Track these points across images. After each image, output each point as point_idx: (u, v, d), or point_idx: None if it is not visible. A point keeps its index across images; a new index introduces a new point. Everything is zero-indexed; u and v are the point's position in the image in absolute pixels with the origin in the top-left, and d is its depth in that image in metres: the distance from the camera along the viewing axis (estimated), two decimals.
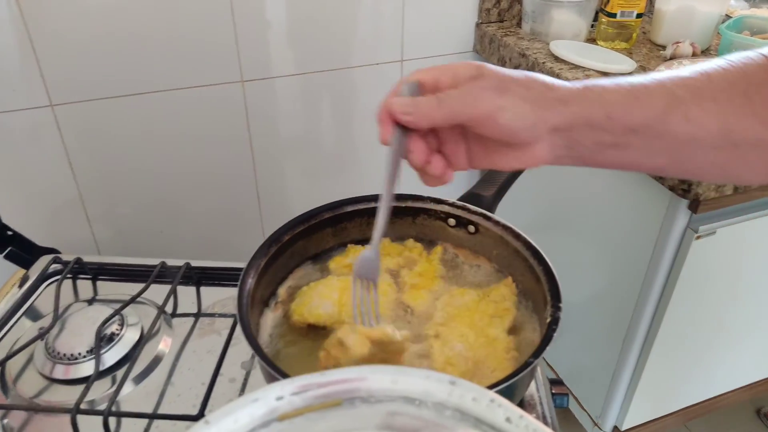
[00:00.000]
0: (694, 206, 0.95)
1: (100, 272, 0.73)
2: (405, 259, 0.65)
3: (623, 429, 1.27)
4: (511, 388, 0.45)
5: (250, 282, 0.54)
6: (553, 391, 0.64)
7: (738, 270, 1.10)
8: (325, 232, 0.64)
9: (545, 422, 0.57)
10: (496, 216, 0.62)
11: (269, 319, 0.58)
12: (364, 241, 0.66)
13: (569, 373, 1.37)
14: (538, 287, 0.56)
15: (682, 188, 0.90)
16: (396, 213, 0.65)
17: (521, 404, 0.57)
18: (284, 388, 0.37)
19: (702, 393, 1.33)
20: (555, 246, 1.27)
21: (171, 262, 0.72)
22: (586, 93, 0.45)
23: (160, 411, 0.57)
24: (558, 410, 0.91)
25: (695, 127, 0.45)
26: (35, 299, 0.70)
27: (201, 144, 1.21)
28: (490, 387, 0.44)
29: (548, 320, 0.50)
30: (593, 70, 1.11)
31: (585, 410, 1.33)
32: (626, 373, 1.20)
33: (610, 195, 1.10)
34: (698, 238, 0.98)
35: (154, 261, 0.71)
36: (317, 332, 0.56)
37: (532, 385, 0.59)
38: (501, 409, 0.34)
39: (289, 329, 0.57)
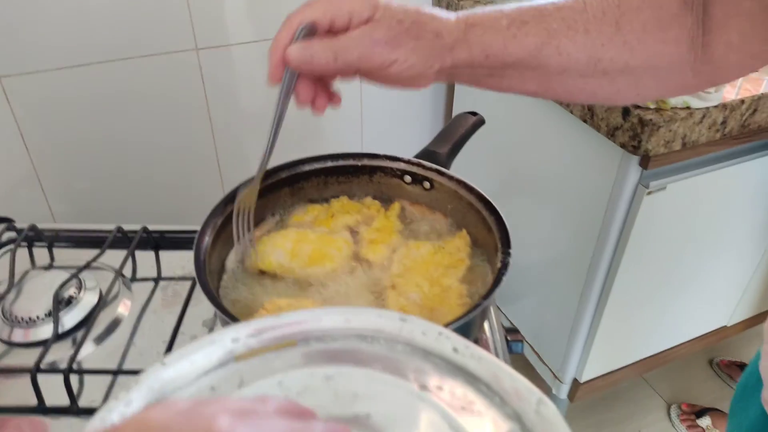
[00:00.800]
0: (645, 162, 0.98)
1: (55, 239, 0.72)
2: (363, 216, 0.66)
3: (582, 381, 1.32)
4: (463, 328, 0.47)
5: (207, 240, 0.54)
6: (508, 338, 0.67)
7: (688, 225, 1.14)
8: (282, 191, 0.65)
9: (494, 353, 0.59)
10: (450, 171, 0.63)
11: (228, 270, 0.59)
12: (322, 200, 0.67)
13: (530, 330, 1.42)
14: (490, 237, 0.58)
15: (632, 145, 0.93)
16: (353, 172, 0.66)
17: None
18: (239, 330, 0.38)
19: (657, 345, 1.39)
20: (513, 208, 1.30)
21: (128, 227, 0.72)
22: (468, 36, 0.48)
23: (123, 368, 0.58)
24: (519, 364, 0.94)
25: (566, 60, 0.48)
26: None
27: (157, 113, 1.19)
28: (449, 324, 0.45)
29: (499, 266, 0.52)
30: None
31: (546, 364, 1.38)
32: (583, 327, 1.24)
33: (564, 155, 1.13)
34: (649, 193, 1.01)
35: (110, 226, 0.71)
36: (271, 279, 0.58)
37: (487, 329, 0.62)
38: (449, 340, 0.36)
39: (243, 275, 0.58)
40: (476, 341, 0.60)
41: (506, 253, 0.53)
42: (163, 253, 0.72)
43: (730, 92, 0.96)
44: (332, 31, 0.46)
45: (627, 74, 0.51)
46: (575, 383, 1.34)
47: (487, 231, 0.59)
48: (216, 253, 0.55)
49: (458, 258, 0.61)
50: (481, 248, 0.62)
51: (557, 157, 1.16)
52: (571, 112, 1.04)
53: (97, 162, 1.19)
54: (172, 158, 1.25)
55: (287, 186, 0.65)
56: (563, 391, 1.36)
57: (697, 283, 1.29)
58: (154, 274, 0.71)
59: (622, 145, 0.95)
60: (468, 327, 0.49)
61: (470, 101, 1.35)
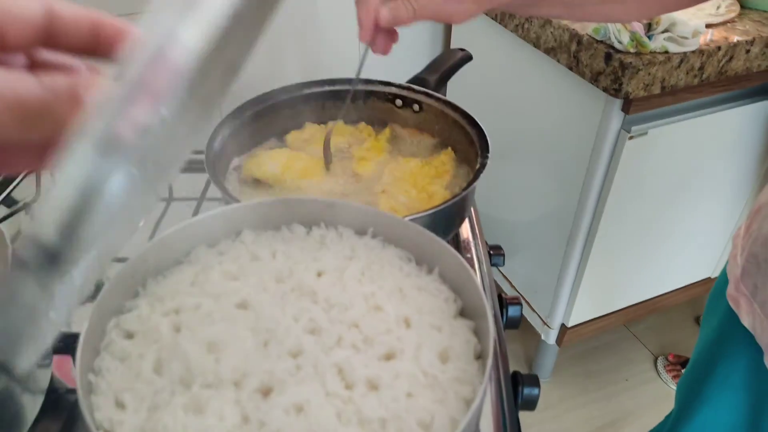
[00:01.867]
0: (627, 107, 1.04)
1: None
2: (355, 138, 0.72)
3: (569, 326, 1.39)
4: (443, 216, 0.53)
5: (216, 145, 0.60)
6: (491, 252, 0.73)
7: (670, 172, 1.20)
8: (283, 113, 0.70)
9: (477, 264, 0.65)
10: (437, 93, 0.69)
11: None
12: (320, 123, 0.73)
13: (520, 280, 1.48)
14: (472, 150, 0.64)
15: (614, 88, 0.99)
16: (346, 96, 0.72)
17: (456, 245, 0.65)
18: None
19: (641, 293, 1.45)
20: (501, 165, 1.36)
21: None
22: None
23: None
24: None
25: None
26: None
27: None
28: (427, 210, 0.52)
29: (478, 167, 0.58)
30: None
31: (535, 312, 1.44)
32: (570, 274, 1.31)
33: (552, 104, 1.18)
34: (631, 138, 1.07)
35: None
36: (265, 189, 0.64)
37: (468, 233, 0.67)
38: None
39: (239, 184, 0.64)
40: (456, 236, 0.66)
41: (485, 157, 0.59)
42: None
43: (705, 37, 1.01)
44: None
45: None
46: (563, 328, 1.41)
47: (470, 144, 0.64)
48: (224, 159, 0.61)
49: (443, 170, 0.67)
50: (464, 163, 0.68)
51: (544, 108, 1.21)
52: (558, 61, 1.09)
53: None
54: None
55: (288, 108, 0.70)
56: (552, 337, 1.43)
57: (681, 232, 1.35)
58: (166, 195, 0.76)
59: (605, 89, 1.01)
60: (447, 217, 0.55)
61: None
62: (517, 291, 1.50)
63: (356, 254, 0.44)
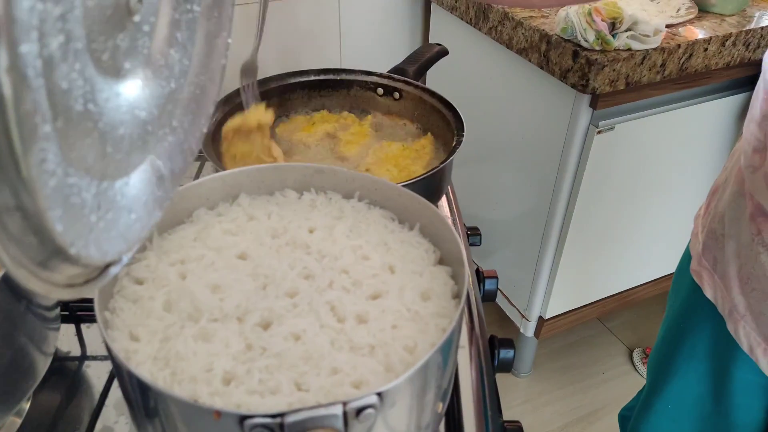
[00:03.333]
0: (594, 103, 1.10)
1: None
2: (340, 125, 0.77)
3: (546, 317, 1.44)
4: (422, 186, 0.58)
5: (210, 126, 0.64)
6: (468, 233, 0.78)
7: (637, 166, 1.26)
8: (271, 101, 0.75)
9: None
10: (415, 81, 0.74)
11: None
12: (305, 113, 0.78)
13: (500, 277, 1.53)
14: (449, 131, 0.69)
15: (582, 84, 1.05)
16: (333, 86, 0.77)
17: None
18: None
19: (615, 286, 1.51)
20: (477, 168, 1.42)
21: None
22: None
23: None
24: (490, 308, 1.01)
25: None
26: None
27: None
28: (406, 181, 0.56)
29: (454, 144, 0.63)
30: None
31: (514, 306, 1.49)
32: (545, 268, 1.36)
33: (524, 103, 1.25)
34: (599, 132, 1.13)
35: None
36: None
37: (445, 209, 0.72)
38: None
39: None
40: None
41: (461, 135, 0.64)
42: None
43: (667, 38, 1.08)
44: None
45: None
46: (540, 321, 1.46)
47: (447, 127, 0.69)
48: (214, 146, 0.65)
49: (423, 153, 0.71)
50: (443, 147, 0.73)
51: (518, 107, 1.27)
52: (530, 61, 1.16)
53: None
54: None
55: (276, 97, 0.75)
56: (530, 329, 1.48)
57: (650, 226, 1.42)
58: None
59: (573, 86, 1.07)
60: (426, 189, 0.60)
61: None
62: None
63: (344, 215, 0.48)
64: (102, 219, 0.24)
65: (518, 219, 1.39)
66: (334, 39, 1.46)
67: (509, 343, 0.62)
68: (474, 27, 1.28)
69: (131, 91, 0.27)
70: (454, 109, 0.68)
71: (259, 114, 0.64)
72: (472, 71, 1.37)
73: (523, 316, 1.47)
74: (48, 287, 0.23)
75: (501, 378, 1.78)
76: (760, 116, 0.59)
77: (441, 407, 0.40)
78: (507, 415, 1.66)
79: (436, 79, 1.50)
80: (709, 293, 0.70)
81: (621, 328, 1.82)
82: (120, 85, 0.26)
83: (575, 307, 1.48)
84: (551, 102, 1.17)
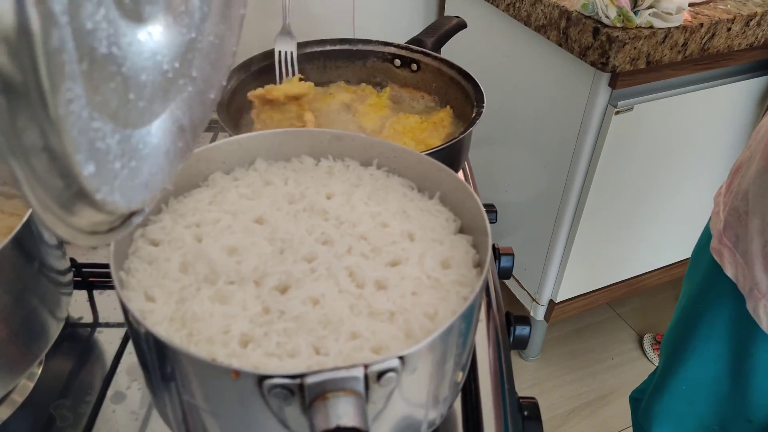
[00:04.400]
0: (613, 82, 1.08)
1: None
2: (358, 96, 0.75)
3: (557, 301, 1.43)
4: (439, 156, 0.56)
5: (225, 93, 0.63)
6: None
7: (656, 148, 1.24)
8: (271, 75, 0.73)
9: None
10: (433, 52, 0.72)
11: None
12: (321, 84, 0.76)
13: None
14: (468, 104, 0.67)
15: (601, 62, 1.03)
16: (348, 56, 0.75)
17: None
18: None
19: (626, 271, 1.49)
20: (493, 149, 1.40)
21: None
22: None
23: None
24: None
25: None
26: None
27: None
28: (423, 151, 0.55)
29: (473, 115, 0.61)
30: None
31: (524, 289, 1.48)
32: (558, 251, 1.35)
33: (542, 81, 1.22)
34: (617, 113, 1.11)
35: None
36: None
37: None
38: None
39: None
40: None
41: (480, 107, 0.62)
42: None
43: (689, 15, 1.05)
44: None
45: None
46: (551, 304, 1.44)
47: (465, 99, 0.68)
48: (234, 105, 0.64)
49: (441, 126, 0.70)
50: (461, 120, 0.71)
51: (535, 86, 1.25)
52: (548, 38, 1.13)
53: None
54: None
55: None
56: (540, 313, 1.47)
57: (664, 212, 1.40)
58: None
59: (593, 64, 1.05)
60: (443, 160, 0.58)
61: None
62: (512, 264, 1.53)
63: (362, 182, 0.47)
64: (126, 167, 0.24)
65: (531, 201, 1.37)
66: (347, 11, 1.44)
67: (525, 320, 0.61)
68: (491, 3, 1.26)
69: (153, 36, 0.26)
70: (474, 80, 0.67)
71: (291, 86, 0.63)
72: (488, 48, 1.35)
73: (534, 300, 1.46)
74: (73, 232, 0.22)
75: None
76: None
77: (461, 377, 0.39)
78: None
79: (450, 55, 1.47)
80: (729, 271, 0.69)
81: (631, 314, 1.81)
82: (142, 30, 0.25)
83: (586, 291, 1.46)
84: (569, 81, 1.14)
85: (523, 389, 1.61)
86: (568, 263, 1.35)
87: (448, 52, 1.51)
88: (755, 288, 0.65)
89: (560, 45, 1.11)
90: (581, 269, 1.40)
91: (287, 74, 0.65)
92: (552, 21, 1.11)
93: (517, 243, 1.47)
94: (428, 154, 0.53)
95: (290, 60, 0.65)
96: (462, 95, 0.69)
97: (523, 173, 1.37)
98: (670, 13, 1.00)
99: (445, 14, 1.45)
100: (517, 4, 1.19)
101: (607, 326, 1.78)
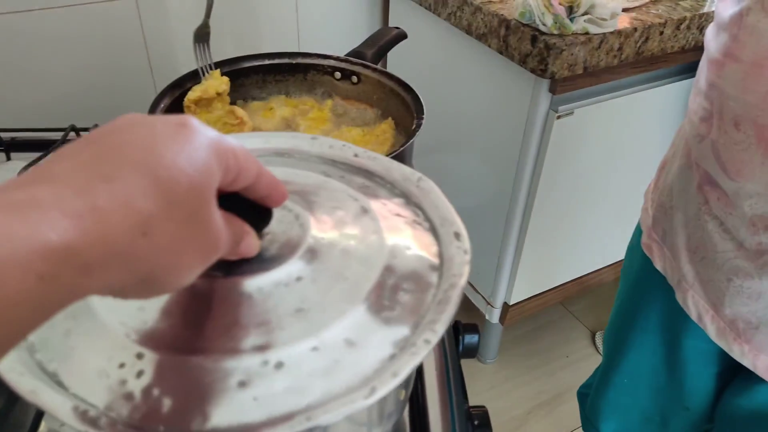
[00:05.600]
0: (553, 88, 1.10)
1: (12, 146, 0.77)
2: (299, 110, 0.74)
3: (511, 303, 1.45)
4: None
5: (158, 111, 0.61)
6: None
7: (597, 150, 1.28)
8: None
9: None
10: (373, 64, 0.72)
11: None
12: (261, 98, 0.75)
13: None
14: (409, 113, 0.67)
15: (541, 68, 1.05)
16: (288, 70, 0.74)
17: None
18: None
19: (575, 271, 1.53)
20: (439, 157, 1.41)
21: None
22: None
23: None
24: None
25: None
26: None
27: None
28: None
29: (413, 127, 0.61)
30: None
31: (479, 293, 1.49)
32: (509, 254, 1.37)
33: (485, 90, 1.24)
34: (559, 117, 1.14)
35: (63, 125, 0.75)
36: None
37: None
38: (350, 149, 0.43)
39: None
40: None
41: (420, 118, 0.62)
42: None
43: (623, 21, 1.09)
44: None
45: None
46: (505, 307, 1.46)
47: (406, 109, 0.68)
48: None
49: (384, 138, 0.70)
50: (403, 132, 0.71)
51: (478, 94, 1.27)
52: (489, 46, 1.15)
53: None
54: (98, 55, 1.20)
55: (230, 81, 0.72)
56: (495, 316, 1.49)
57: (608, 210, 1.43)
58: None
59: (533, 70, 1.07)
60: None
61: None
62: (475, 280, 1.55)
63: None
64: None
65: (481, 206, 1.39)
66: (291, 24, 1.43)
67: (474, 329, 0.61)
68: (433, 13, 1.27)
69: None
70: (413, 91, 0.67)
71: (216, 82, 0.62)
72: (432, 58, 1.36)
73: (489, 303, 1.47)
74: None
75: (467, 365, 1.79)
76: (706, 86, 0.60)
77: (404, 394, 0.38)
78: (474, 401, 1.66)
79: (396, 66, 1.48)
80: (659, 265, 0.71)
81: (583, 311, 1.85)
82: None
83: (539, 292, 1.49)
84: (511, 87, 1.16)
85: (481, 392, 1.63)
86: (520, 265, 1.38)
87: (394, 62, 1.53)
88: (683, 280, 0.67)
89: (501, 53, 1.13)
90: (533, 270, 1.42)
91: (207, 71, 0.65)
92: (492, 29, 1.13)
93: (471, 246, 1.48)
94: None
95: (206, 54, 0.64)
96: (403, 106, 0.69)
97: (471, 179, 1.39)
98: (605, 19, 1.03)
99: (390, 25, 1.46)
100: (458, 14, 1.20)
101: (561, 325, 1.82)
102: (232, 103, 0.74)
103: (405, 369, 0.23)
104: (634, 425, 0.87)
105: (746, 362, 0.64)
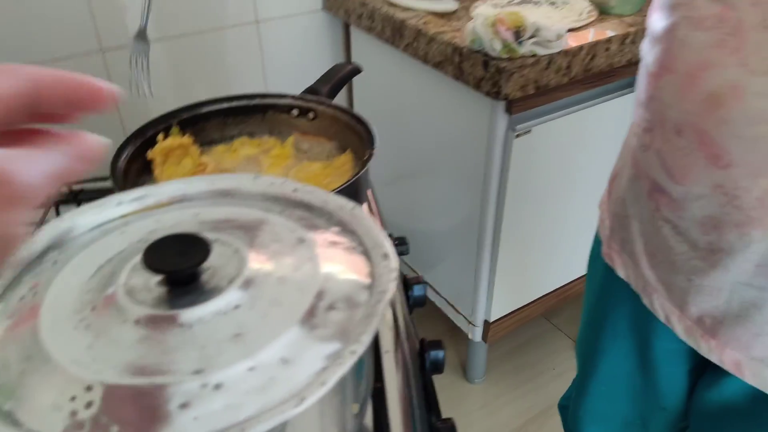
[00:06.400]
0: (510, 108, 1.15)
1: None
2: (262, 149, 0.77)
3: (492, 320, 1.47)
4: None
5: (120, 165, 0.64)
6: (396, 243, 0.80)
7: (557, 165, 1.32)
8: (185, 132, 0.75)
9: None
10: (328, 100, 0.76)
11: None
12: (223, 140, 0.78)
13: (444, 285, 1.56)
14: (363, 145, 0.70)
15: (495, 91, 1.09)
16: (247, 111, 0.78)
17: None
18: (123, 197, 0.47)
19: (552, 282, 1.56)
20: (406, 187, 1.45)
21: None
22: None
23: None
24: (438, 314, 0.99)
25: None
26: None
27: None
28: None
29: (365, 158, 0.65)
30: (422, 10, 1.29)
31: (460, 313, 1.52)
32: (484, 272, 1.40)
33: (445, 116, 1.29)
34: (518, 136, 1.18)
35: None
36: None
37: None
38: (290, 185, 0.45)
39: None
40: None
41: (371, 148, 0.65)
42: None
43: (572, 39, 1.14)
44: None
45: None
46: (486, 324, 1.49)
47: (360, 141, 0.71)
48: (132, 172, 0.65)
49: (344, 170, 0.73)
50: (362, 161, 0.74)
51: (440, 120, 1.31)
52: (446, 74, 1.20)
53: None
54: None
55: (189, 126, 0.75)
56: (478, 334, 1.51)
57: (575, 220, 1.47)
58: None
59: (487, 94, 1.11)
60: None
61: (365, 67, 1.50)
62: (443, 298, 1.57)
63: None
64: None
65: (453, 228, 1.42)
66: (257, 67, 1.48)
67: (438, 345, 0.64)
68: (392, 45, 1.32)
69: None
70: (366, 124, 0.70)
71: (177, 140, 0.65)
72: (395, 88, 1.41)
73: (470, 322, 1.50)
74: None
75: (456, 386, 1.79)
76: (646, 98, 0.64)
77: (357, 408, 0.40)
78: (464, 421, 1.68)
79: (362, 99, 1.53)
80: (622, 273, 0.74)
81: (565, 323, 1.88)
82: None
83: (519, 306, 1.51)
84: (470, 111, 1.21)
85: (472, 412, 1.64)
86: (496, 282, 1.40)
87: (360, 95, 1.57)
88: (647, 284, 0.70)
89: (457, 79, 1.17)
90: (510, 286, 1.45)
91: (144, 79, 0.67)
92: (447, 57, 1.17)
93: (448, 270, 1.51)
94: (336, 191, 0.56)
95: (144, 67, 0.66)
96: (358, 139, 0.72)
97: (440, 203, 1.43)
98: (551, 41, 1.09)
99: (353, 59, 1.51)
100: (414, 44, 1.25)
101: (546, 338, 1.84)
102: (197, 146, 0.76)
103: (332, 377, 0.25)
104: (616, 431, 0.89)
105: (714, 358, 0.66)
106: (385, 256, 0.33)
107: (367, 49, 1.44)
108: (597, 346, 0.84)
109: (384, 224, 0.79)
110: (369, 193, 0.77)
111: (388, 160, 1.56)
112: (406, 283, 0.73)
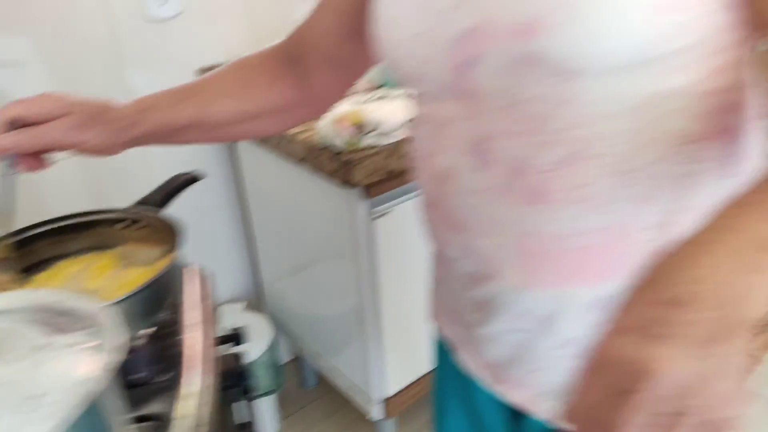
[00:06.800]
0: (366, 194, 1.24)
1: None
2: (86, 264, 0.83)
3: (391, 395, 1.50)
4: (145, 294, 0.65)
5: None
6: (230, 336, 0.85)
7: (422, 240, 1.40)
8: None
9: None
10: (155, 209, 0.83)
11: None
12: (54, 258, 0.83)
13: (344, 368, 1.59)
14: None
15: (347, 181, 1.19)
16: (75, 229, 0.84)
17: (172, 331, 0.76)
18: None
19: None
20: (296, 276, 1.52)
21: None
22: (144, 114, 0.72)
23: None
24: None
25: (219, 117, 0.73)
26: None
27: None
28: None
29: (167, 258, 0.71)
30: None
31: (359, 393, 1.54)
32: (372, 350, 1.45)
33: (313, 208, 1.38)
34: (375, 219, 1.27)
35: None
36: None
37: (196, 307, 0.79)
38: (52, 295, 0.52)
39: None
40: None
41: (174, 249, 0.72)
42: None
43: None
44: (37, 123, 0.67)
45: (263, 117, 0.77)
46: (386, 401, 1.52)
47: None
48: None
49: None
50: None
51: (313, 212, 1.41)
52: (307, 169, 1.30)
53: None
54: None
55: (16, 250, 0.80)
56: (379, 411, 1.53)
57: None
58: None
59: (343, 183, 1.21)
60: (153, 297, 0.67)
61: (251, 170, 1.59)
62: (349, 380, 1.60)
63: None
64: None
65: (342, 312, 1.48)
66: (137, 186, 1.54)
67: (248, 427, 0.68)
68: (265, 148, 1.43)
69: None
70: (178, 228, 0.77)
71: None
72: (279, 190, 1.52)
73: (370, 400, 1.52)
74: None
75: None
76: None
77: None
78: None
79: (258, 207, 1.64)
80: (442, 333, 0.81)
81: None
82: None
83: (415, 378, 1.55)
84: (331, 200, 1.30)
85: None
86: (386, 357, 1.45)
87: (256, 203, 1.66)
88: (454, 341, 0.77)
89: (316, 173, 1.27)
90: (401, 359, 1.50)
91: None
92: (306, 153, 1.28)
93: (348, 355, 1.56)
94: (130, 295, 0.62)
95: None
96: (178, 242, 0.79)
97: (328, 289, 1.49)
98: (390, 132, 1.20)
99: (244, 172, 1.62)
100: (281, 144, 1.36)
101: None
102: (25, 270, 0.81)
103: None
104: None
105: (508, 399, 0.71)
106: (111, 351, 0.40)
107: (254, 160, 1.57)
108: (439, 406, 0.89)
109: (215, 317, 0.84)
110: (193, 284, 0.82)
111: (282, 256, 1.63)
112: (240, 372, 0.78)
